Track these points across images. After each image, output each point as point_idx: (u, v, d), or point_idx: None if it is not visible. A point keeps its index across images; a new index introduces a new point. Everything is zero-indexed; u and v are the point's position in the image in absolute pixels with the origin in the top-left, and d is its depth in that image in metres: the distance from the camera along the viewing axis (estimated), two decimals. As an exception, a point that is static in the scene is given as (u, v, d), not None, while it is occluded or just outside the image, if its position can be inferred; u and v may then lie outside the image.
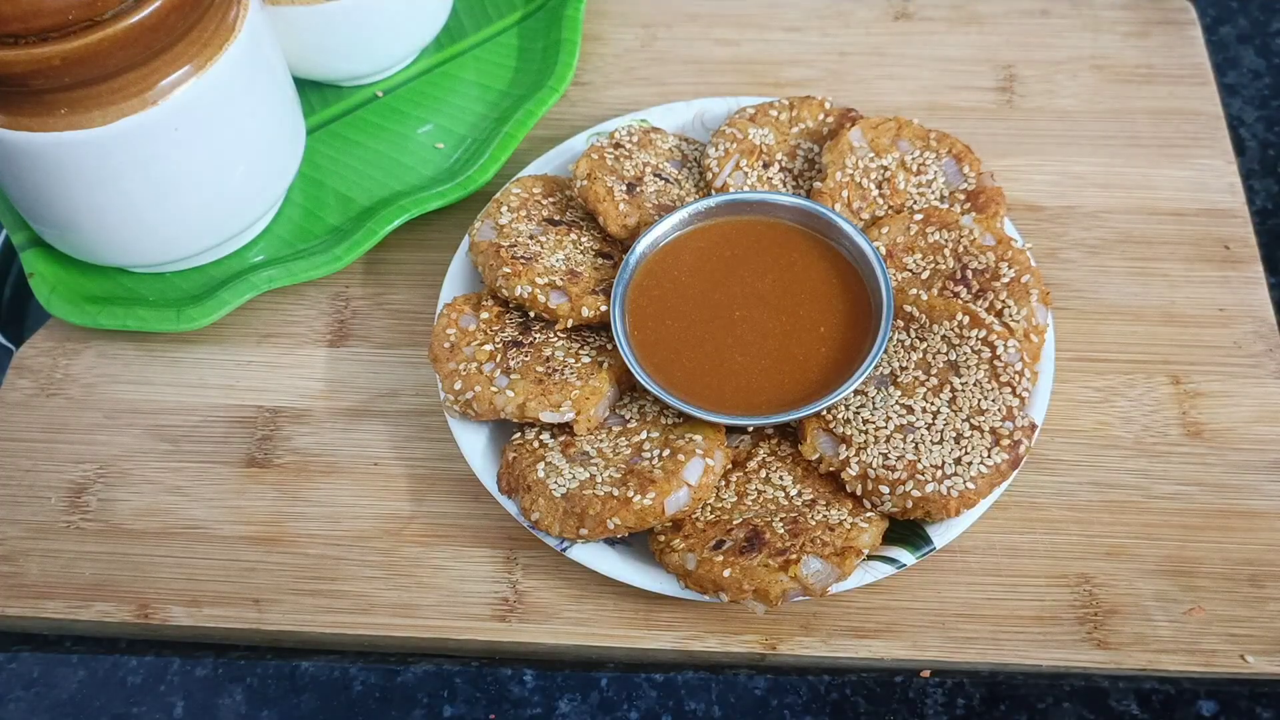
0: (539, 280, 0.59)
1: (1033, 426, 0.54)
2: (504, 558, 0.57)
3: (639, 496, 0.52)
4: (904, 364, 0.57)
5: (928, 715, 0.53)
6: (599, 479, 0.54)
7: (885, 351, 0.57)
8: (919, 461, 0.53)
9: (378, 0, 0.69)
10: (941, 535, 0.54)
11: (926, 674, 0.54)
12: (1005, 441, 0.54)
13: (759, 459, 0.57)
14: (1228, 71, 0.77)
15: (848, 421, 0.55)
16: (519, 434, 0.58)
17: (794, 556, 0.51)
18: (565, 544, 0.55)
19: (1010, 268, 0.59)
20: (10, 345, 0.69)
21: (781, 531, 0.52)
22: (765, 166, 0.65)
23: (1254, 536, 0.56)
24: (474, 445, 0.58)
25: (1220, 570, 0.55)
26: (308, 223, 0.69)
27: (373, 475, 0.60)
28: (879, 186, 0.63)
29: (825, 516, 0.53)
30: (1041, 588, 0.55)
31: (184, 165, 0.60)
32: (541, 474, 0.55)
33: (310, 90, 0.74)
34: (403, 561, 0.58)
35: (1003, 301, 0.58)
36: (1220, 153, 0.70)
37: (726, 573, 0.51)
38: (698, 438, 0.55)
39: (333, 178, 0.71)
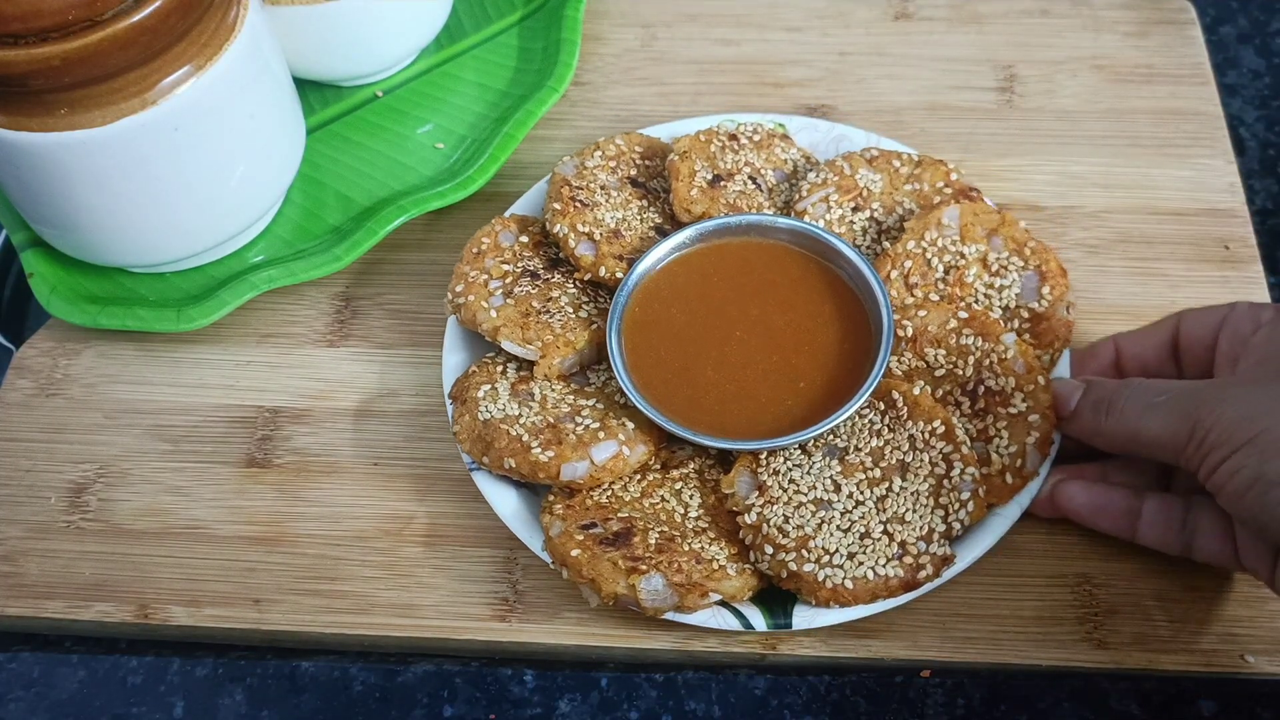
0: (579, 227, 0.60)
1: (946, 560, 0.52)
2: (504, 558, 0.57)
3: (540, 450, 0.54)
4: (860, 444, 0.54)
5: (928, 715, 0.53)
6: (521, 420, 0.55)
7: (850, 425, 0.55)
8: (813, 539, 0.52)
9: (378, 0, 0.69)
10: (804, 619, 0.52)
11: (926, 674, 0.54)
12: (908, 559, 0.51)
13: (685, 471, 0.56)
14: (1228, 71, 0.77)
15: (776, 473, 0.54)
16: (492, 354, 0.59)
17: (643, 568, 0.51)
18: (473, 465, 0.56)
19: (1024, 401, 0.55)
20: (10, 345, 0.69)
21: (651, 541, 0.52)
22: (855, 210, 0.62)
23: (1254, 536, 0.56)
24: (454, 370, 0.60)
25: (1220, 570, 0.55)
26: (308, 223, 0.69)
27: (373, 475, 0.60)
28: (946, 271, 0.59)
29: (701, 548, 0.53)
30: (1041, 587, 0.55)
31: (184, 165, 0.60)
32: (480, 395, 0.57)
33: (310, 90, 0.74)
34: (403, 561, 0.58)
35: (998, 430, 0.55)
36: (1220, 152, 0.70)
37: (575, 552, 0.51)
38: (630, 426, 0.55)
39: (333, 178, 0.71)
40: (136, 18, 0.54)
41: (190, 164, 0.60)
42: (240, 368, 0.65)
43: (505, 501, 0.56)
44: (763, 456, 0.55)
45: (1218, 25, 0.80)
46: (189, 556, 0.58)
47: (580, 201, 0.61)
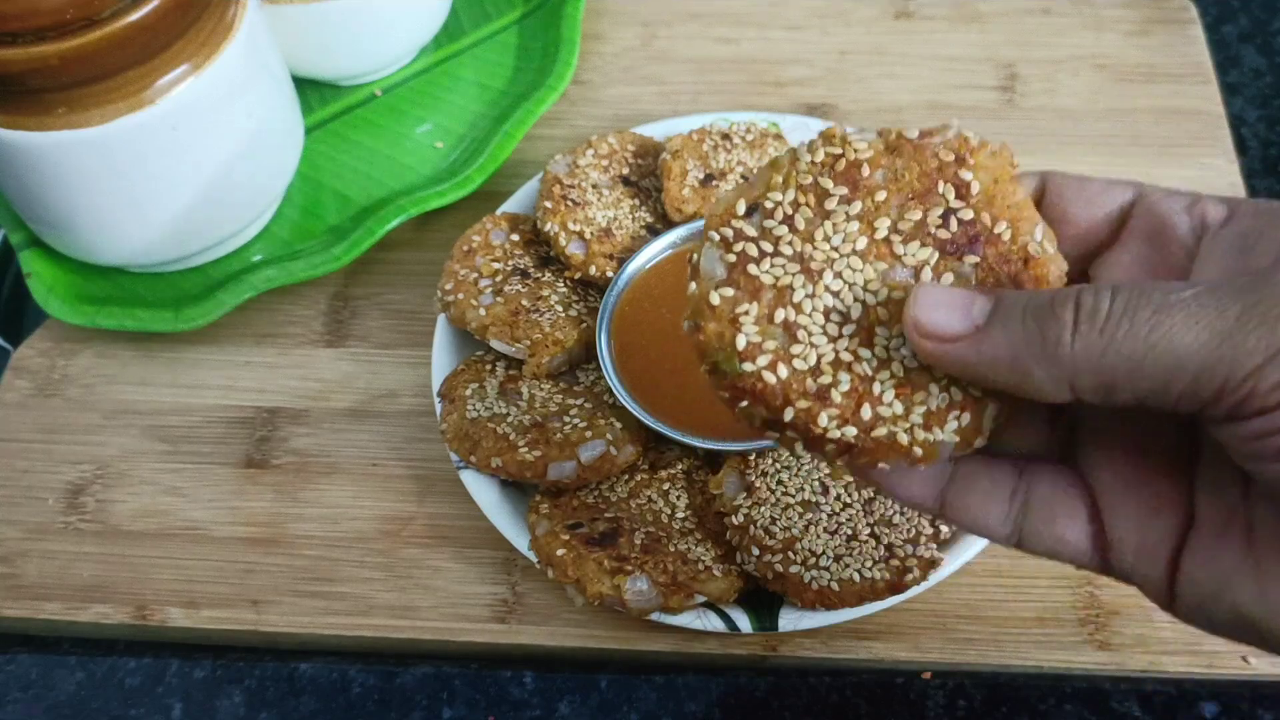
0: (570, 226, 0.60)
1: (932, 562, 0.51)
2: (503, 559, 0.57)
3: (526, 450, 0.53)
4: None
5: (929, 717, 0.53)
6: (509, 419, 0.55)
7: None
8: (800, 541, 0.51)
9: (376, -1, 0.69)
10: (790, 622, 0.52)
11: (928, 676, 0.54)
12: (895, 562, 0.51)
13: (673, 471, 0.56)
14: (1229, 70, 0.77)
15: (764, 474, 0.54)
16: (481, 352, 0.59)
17: (629, 569, 0.50)
18: (460, 464, 0.56)
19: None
20: (8, 345, 0.69)
21: (637, 542, 0.52)
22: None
23: (1256, 537, 0.56)
24: (444, 368, 0.60)
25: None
26: (306, 222, 0.69)
27: (372, 475, 0.60)
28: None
29: (687, 549, 0.53)
30: (1043, 589, 0.55)
31: (182, 165, 0.59)
32: (468, 393, 0.57)
33: (309, 89, 0.74)
34: (402, 563, 0.57)
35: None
36: (1222, 152, 0.70)
37: (560, 552, 0.51)
38: (618, 426, 0.55)
39: (331, 177, 0.71)
40: (134, 16, 0.54)
41: (188, 164, 0.60)
42: (238, 368, 0.65)
43: (493, 500, 0.55)
44: (751, 457, 0.54)
45: (1219, 24, 0.79)
46: (187, 557, 0.58)
47: (572, 200, 0.61)
